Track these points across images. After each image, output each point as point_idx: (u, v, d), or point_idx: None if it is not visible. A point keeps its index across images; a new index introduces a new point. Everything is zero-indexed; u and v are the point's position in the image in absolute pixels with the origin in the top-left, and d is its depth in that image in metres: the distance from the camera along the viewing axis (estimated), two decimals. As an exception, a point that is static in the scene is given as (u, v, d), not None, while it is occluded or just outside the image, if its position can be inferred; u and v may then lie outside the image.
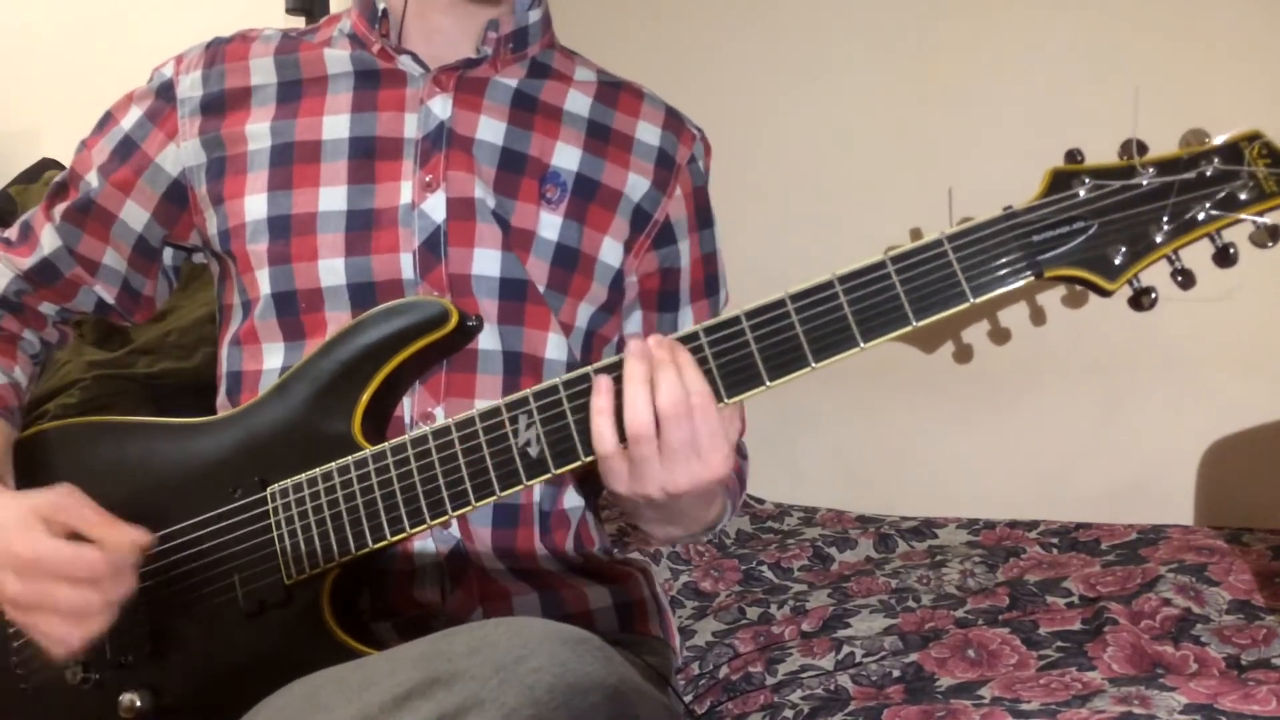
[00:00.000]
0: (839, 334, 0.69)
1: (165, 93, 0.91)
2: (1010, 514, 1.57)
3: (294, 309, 0.85)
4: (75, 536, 0.72)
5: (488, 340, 0.85)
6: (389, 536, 0.74)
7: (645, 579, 0.94)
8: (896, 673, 1.05)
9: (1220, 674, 0.98)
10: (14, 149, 1.86)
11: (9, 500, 0.74)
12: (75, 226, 0.92)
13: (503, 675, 0.52)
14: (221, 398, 0.90)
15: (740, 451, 0.99)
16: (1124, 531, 1.41)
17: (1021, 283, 0.69)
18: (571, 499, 0.91)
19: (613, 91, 0.95)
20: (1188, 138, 0.70)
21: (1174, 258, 0.70)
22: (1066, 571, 1.28)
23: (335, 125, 0.87)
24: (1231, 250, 0.68)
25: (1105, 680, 0.96)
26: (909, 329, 0.69)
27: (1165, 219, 0.68)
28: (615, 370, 0.71)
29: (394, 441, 0.75)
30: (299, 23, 1.73)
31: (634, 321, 0.98)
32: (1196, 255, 0.70)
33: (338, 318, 0.83)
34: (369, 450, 0.75)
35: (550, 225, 0.88)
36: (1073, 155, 0.71)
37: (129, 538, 0.72)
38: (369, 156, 0.86)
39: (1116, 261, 0.69)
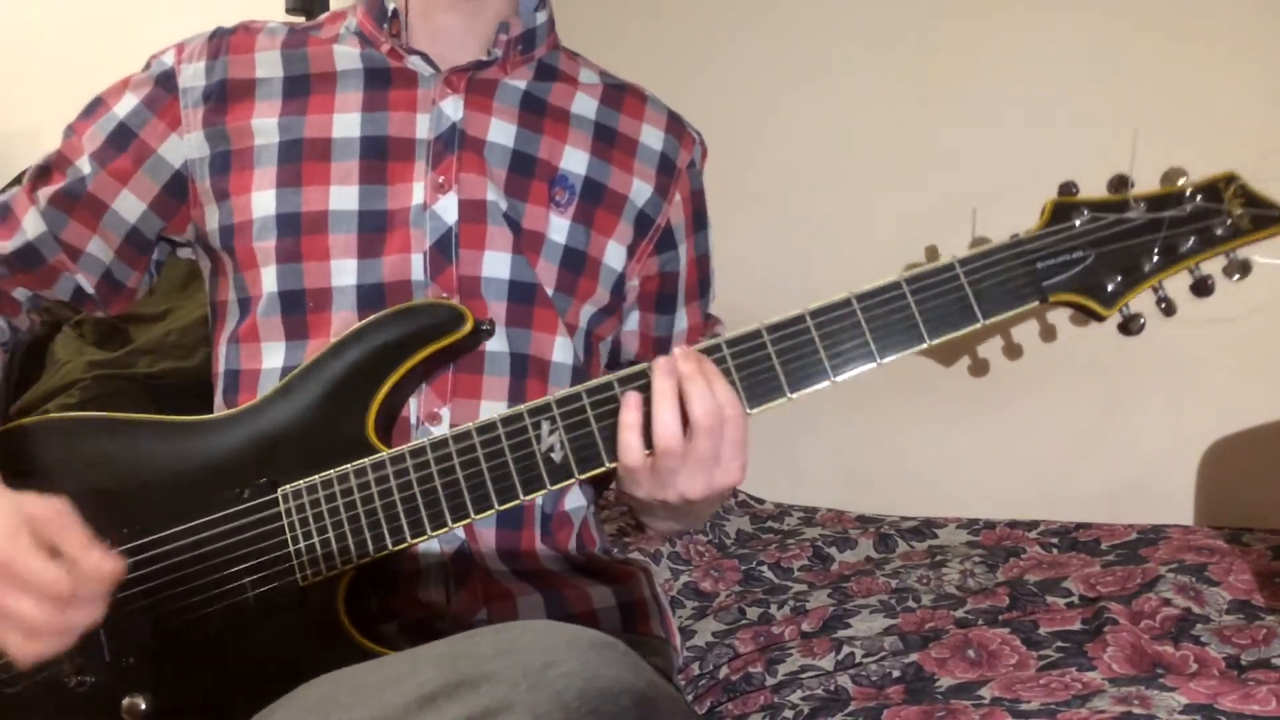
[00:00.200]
0: (857, 349, 0.74)
1: (166, 81, 0.88)
2: (1010, 514, 1.57)
3: (301, 307, 0.84)
4: (57, 552, 0.69)
5: (495, 342, 0.85)
6: (409, 539, 0.74)
7: (646, 578, 0.94)
8: (896, 673, 1.05)
9: (1220, 674, 0.98)
10: (14, 149, 1.86)
11: (2, 498, 0.71)
12: (62, 212, 0.89)
13: (532, 680, 0.52)
14: (218, 396, 0.89)
15: None
16: (1124, 531, 1.41)
17: (1028, 306, 0.75)
18: (573, 500, 0.91)
19: (617, 94, 0.96)
20: (1167, 175, 0.77)
21: (1158, 286, 0.77)
22: (1066, 571, 1.28)
23: (346, 124, 0.86)
24: (1209, 281, 0.76)
25: (1105, 680, 0.96)
26: (923, 347, 0.74)
27: (1155, 251, 0.75)
28: (639, 381, 0.73)
29: (412, 445, 0.75)
30: (298, 22, 1.72)
31: (631, 321, 0.98)
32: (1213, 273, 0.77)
33: (344, 317, 0.83)
34: (387, 453, 0.75)
35: (559, 228, 0.88)
36: (1068, 188, 0.77)
37: (106, 566, 0.68)
38: (381, 157, 0.86)
39: (1110, 289, 0.75)
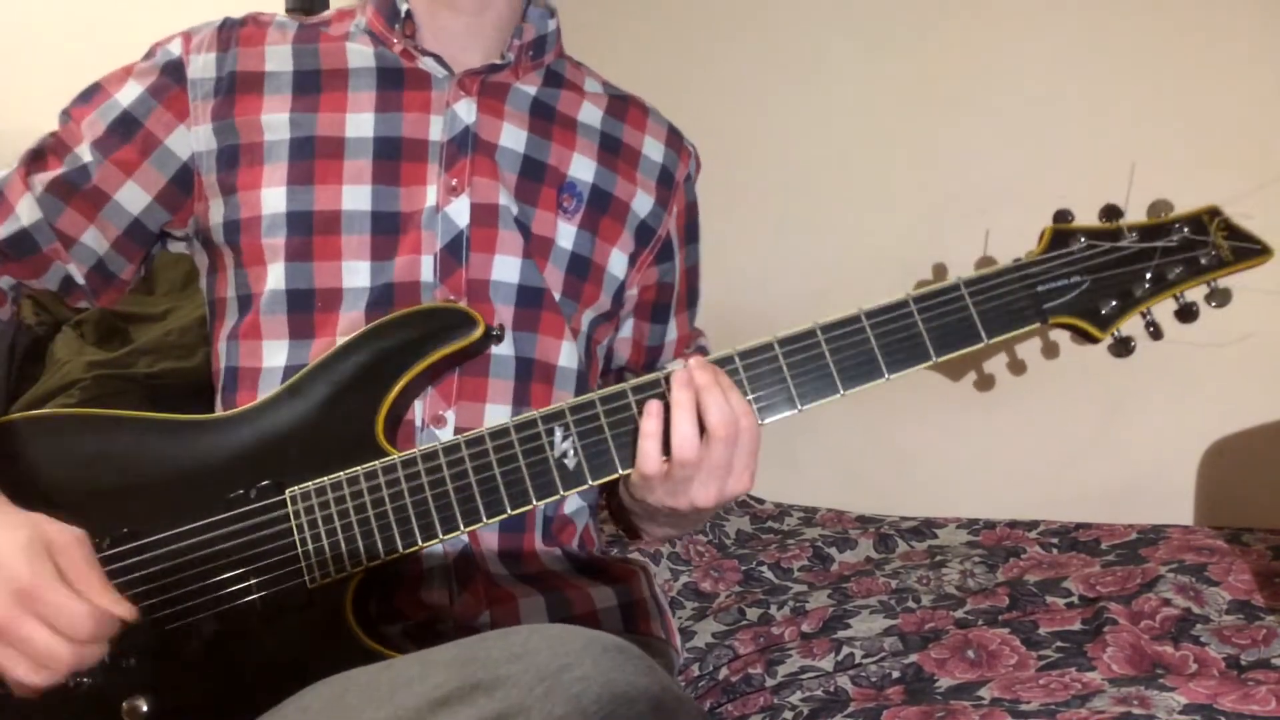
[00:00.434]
0: (866, 365, 0.77)
1: (173, 71, 0.87)
2: (1010, 514, 1.57)
3: (308, 306, 0.84)
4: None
5: (502, 346, 0.85)
6: (420, 541, 0.74)
7: (646, 578, 0.94)
8: (896, 673, 1.05)
9: (1220, 674, 0.98)
10: (14, 149, 1.86)
11: (17, 517, 0.70)
12: (59, 200, 0.86)
13: (547, 684, 0.52)
14: (219, 394, 0.89)
15: None
16: (1124, 531, 1.41)
17: (1029, 327, 0.79)
18: (573, 503, 0.92)
19: (621, 105, 0.97)
20: (1154, 207, 0.83)
21: (1146, 311, 0.82)
22: (1066, 571, 1.28)
23: (359, 123, 0.86)
24: (1194, 308, 0.82)
25: (1105, 680, 0.96)
26: (930, 363, 0.78)
27: (1147, 278, 0.81)
28: (653, 390, 0.75)
29: (425, 448, 0.75)
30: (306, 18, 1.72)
31: (626, 329, 0.99)
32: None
33: (351, 318, 0.83)
34: (398, 456, 0.75)
35: (566, 234, 0.89)
36: (1063, 215, 0.82)
37: (116, 609, 0.68)
38: (394, 157, 0.85)
39: (1104, 313, 0.81)
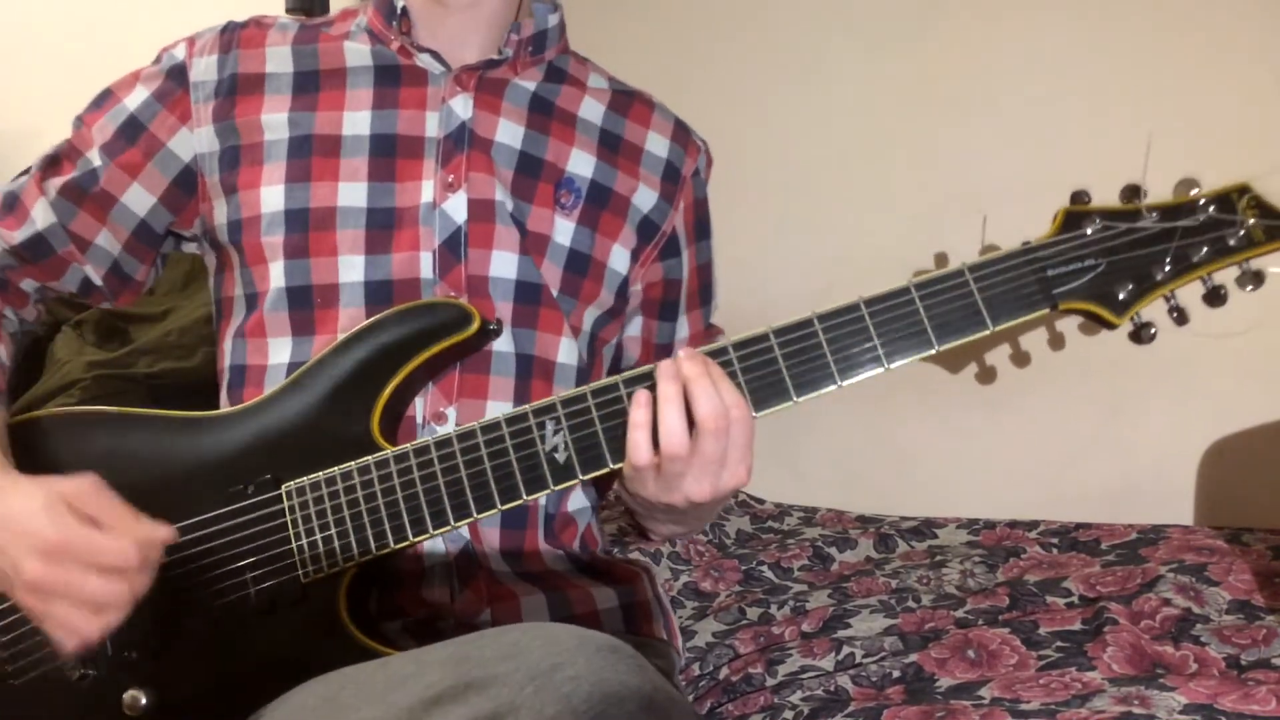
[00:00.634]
0: (865, 355, 0.73)
1: (177, 75, 0.88)
2: (1010, 514, 1.57)
3: (308, 303, 0.84)
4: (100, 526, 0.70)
5: (501, 342, 0.85)
6: (411, 537, 0.74)
7: (649, 579, 0.94)
8: (896, 673, 1.05)
9: (1220, 674, 0.98)
10: (14, 149, 1.86)
11: (31, 485, 0.71)
12: (71, 203, 0.89)
13: (539, 683, 0.52)
14: (223, 392, 0.89)
15: None
16: (1124, 531, 1.41)
17: (1038, 313, 0.75)
18: (576, 501, 0.91)
19: (625, 101, 0.96)
20: (1179, 187, 0.77)
21: (1170, 296, 0.77)
22: (1066, 571, 1.28)
23: (356, 120, 0.86)
24: (1222, 291, 0.76)
25: (1105, 680, 0.96)
26: (931, 352, 0.74)
27: (1168, 260, 0.75)
28: (643, 382, 0.73)
29: (416, 443, 0.75)
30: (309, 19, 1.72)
31: (634, 326, 0.98)
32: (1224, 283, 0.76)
33: (351, 314, 0.83)
34: (390, 451, 0.75)
35: (564, 230, 0.89)
36: (1079, 196, 0.78)
37: (156, 534, 0.71)
38: (390, 154, 0.86)
39: (1121, 297, 0.75)
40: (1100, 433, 1.61)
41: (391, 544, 0.74)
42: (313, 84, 0.88)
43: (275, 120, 0.86)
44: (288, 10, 1.76)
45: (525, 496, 0.73)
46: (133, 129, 0.88)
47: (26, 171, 0.94)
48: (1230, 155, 1.44)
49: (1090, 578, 1.24)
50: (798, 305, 0.76)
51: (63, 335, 1.54)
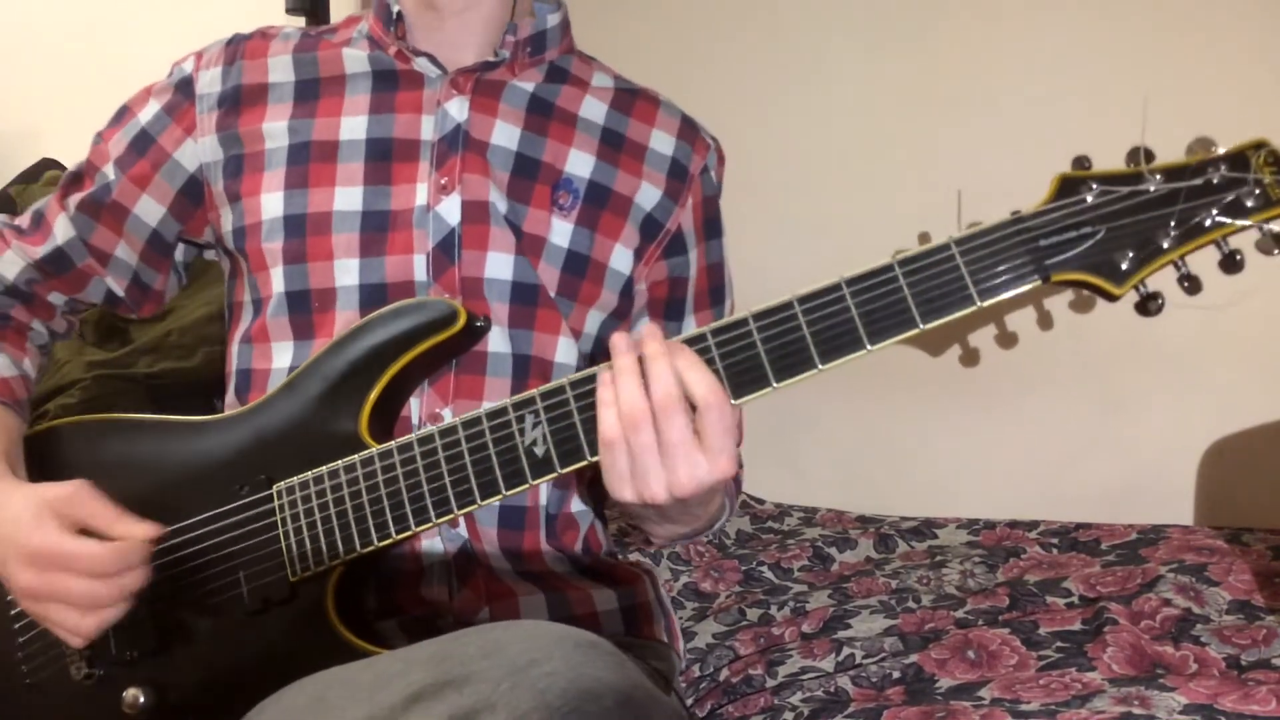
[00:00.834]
0: (846, 336, 0.70)
1: (184, 88, 0.91)
2: (1010, 514, 1.57)
3: (307, 307, 0.85)
4: (88, 531, 0.74)
5: (497, 343, 0.85)
6: (394, 534, 0.74)
7: (650, 582, 0.94)
8: (896, 674, 1.05)
9: (1220, 674, 0.98)
10: (14, 149, 1.86)
11: (22, 493, 0.76)
12: (90, 218, 0.92)
13: (515, 679, 0.52)
14: (230, 395, 0.90)
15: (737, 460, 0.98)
16: (1124, 531, 1.42)
17: (1028, 287, 0.69)
18: (579, 502, 0.91)
19: (629, 99, 0.95)
20: (1194, 146, 0.70)
21: (1180, 264, 0.70)
22: (1066, 571, 1.28)
23: (352, 126, 0.87)
24: (1238, 257, 0.69)
25: (1105, 680, 0.96)
26: (915, 332, 0.69)
27: (1172, 225, 0.69)
28: None
29: (400, 440, 0.75)
30: (299, 23, 1.73)
31: (640, 328, 0.97)
32: (1201, 261, 0.71)
33: (347, 317, 0.84)
34: (375, 449, 0.75)
35: (561, 232, 0.88)
36: (1080, 161, 0.72)
37: (138, 532, 0.74)
38: (385, 158, 0.86)
39: (1124, 267, 0.69)
40: (1100, 432, 1.61)
41: (375, 541, 0.74)
42: (312, 91, 0.89)
43: (276, 128, 0.87)
44: (287, 10, 1.76)
45: (505, 491, 0.72)
46: (143, 142, 0.91)
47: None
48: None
49: (1090, 578, 1.24)
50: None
51: (63, 335, 1.54)
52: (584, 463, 0.71)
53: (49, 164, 1.76)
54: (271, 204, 0.86)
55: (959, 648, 1.08)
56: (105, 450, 0.85)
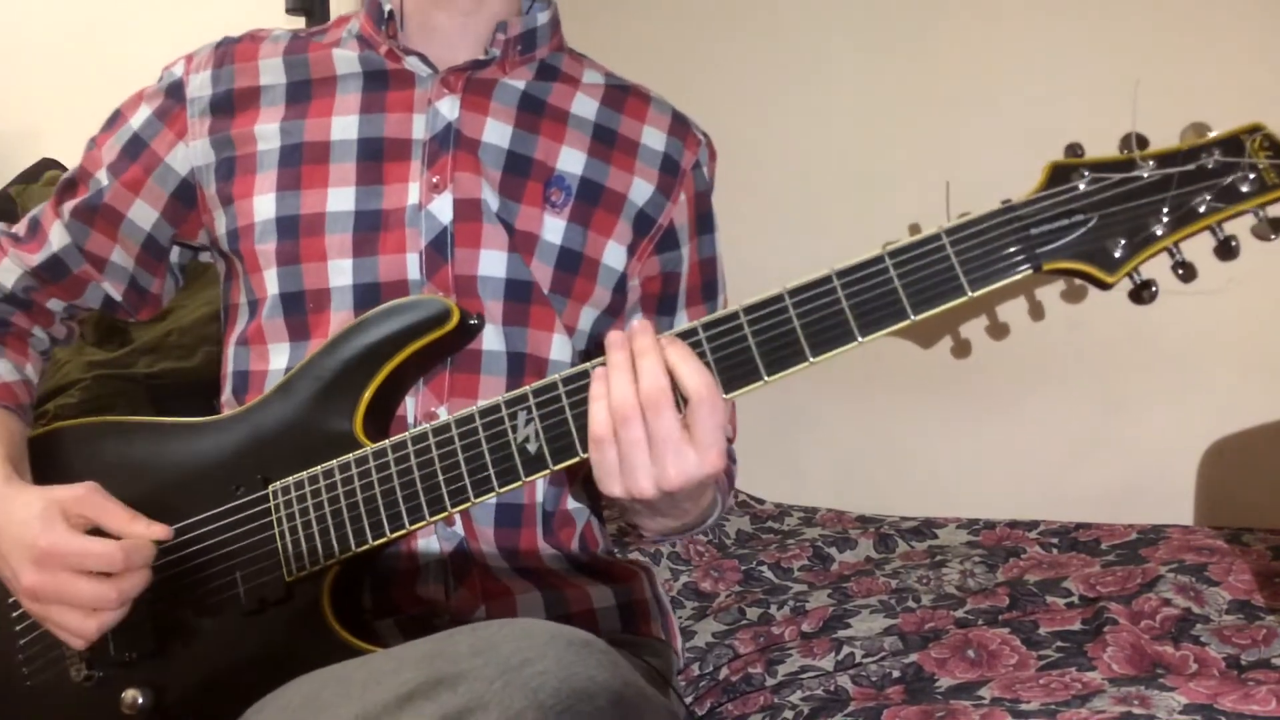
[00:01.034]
0: (837, 328, 0.69)
1: (175, 92, 0.91)
2: (1010, 514, 1.57)
3: (301, 309, 0.85)
4: (97, 530, 0.74)
5: (492, 341, 0.85)
6: (389, 533, 0.74)
7: (648, 579, 0.94)
8: (896, 673, 1.05)
9: (1220, 674, 0.98)
10: (14, 149, 1.86)
11: (31, 494, 0.76)
12: (84, 224, 0.92)
13: (507, 678, 0.52)
14: (227, 396, 0.90)
15: (728, 455, 0.99)
16: (1124, 531, 1.41)
17: (1020, 276, 0.69)
18: (575, 500, 0.91)
19: (620, 95, 0.96)
20: (1188, 131, 0.70)
21: (1174, 250, 0.69)
22: (1066, 571, 1.28)
23: (344, 126, 0.87)
24: (1233, 243, 0.68)
25: (1105, 680, 0.96)
26: (907, 323, 0.69)
27: (1165, 211, 0.68)
28: None
29: (394, 439, 0.75)
30: (298, 23, 1.73)
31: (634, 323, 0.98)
32: (1195, 249, 0.70)
33: (341, 318, 0.84)
34: (369, 448, 0.75)
35: (554, 229, 0.88)
36: (1073, 149, 0.71)
37: (148, 532, 0.75)
38: (377, 158, 0.86)
39: (1116, 254, 0.68)
40: (1100, 432, 1.61)
41: (370, 540, 0.74)
42: (304, 93, 0.89)
43: (268, 130, 0.87)
44: (287, 10, 1.76)
45: (498, 489, 0.72)
46: (135, 146, 0.91)
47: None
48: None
49: (1090, 578, 1.24)
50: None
51: (62, 335, 1.54)
52: (576, 459, 0.71)
53: (49, 164, 1.77)
54: (264, 206, 0.86)
55: (959, 647, 1.08)
56: (104, 452, 0.85)
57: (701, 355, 0.69)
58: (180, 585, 0.77)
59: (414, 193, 0.85)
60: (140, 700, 0.76)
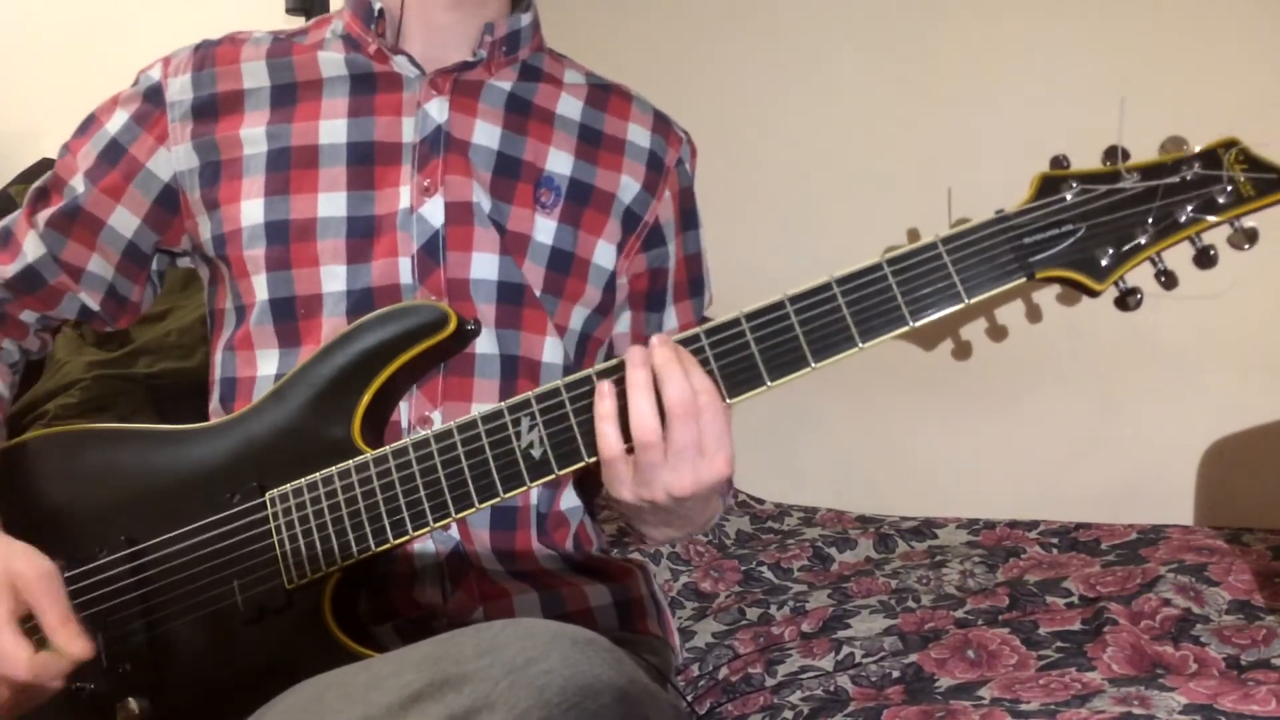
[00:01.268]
0: (838, 335, 0.71)
1: (154, 96, 0.89)
2: (1010, 514, 1.57)
3: (292, 315, 0.85)
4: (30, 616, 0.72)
5: (485, 344, 0.85)
6: (391, 539, 0.74)
7: (644, 577, 0.94)
8: (896, 673, 1.05)
9: (1220, 674, 0.98)
10: (14, 149, 1.86)
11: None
12: (60, 233, 0.90)
13: (513, 677, 0.52)
14: (215, 403, 0.90)
15: None
16: (1124, 531, 1.41)
17: (1014, 283, 0.71)
18: (569, 500, 0.91)
19: (603, 95, 0.96)
20: (1166, 145, 0.73)
21: (1157, 259, 0.73)
22: (1066, 571, 1.28)
23: (332, 130, 0.86)
24: (1212, 252, 0.72)
25: (1105, 680, 0.96)
26: (906, 329, 0.71)
27: (1150, 222, 0.72)
28: (616, 373, 0.72)
29: (394, 445, 0.75)
30: (299, 23, 1.73)
31: (623, 322, 0.98)
32: (1183, 256, 0.73)
33: (334, 323, 0.83)
34: (370, 454, 0.75)
35: (545, 229, 0.88)
36: (1059, 161, 0.74)
37: (69, 648, 0.71)
38: (367, 162, 0.86)
39: (1103, 263, 0.71)
40: (1100, 432, 1.61)
41: (373, 547, 0.74)
42: (289, 97, 0.88)
43: (253, 134, 0.86)
44: (287, 10, 1.76)
45: (503, 494, 0.72)
46: (114, 152, 0.89)
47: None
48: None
49: (1090, 578, 1.24)
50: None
51: (63, 335, 1.54)
52: (581, 464, 0.72)
53: (49, 164, 1.75)
54: (252, 211, 0.85)
55: (959, 647, 1.08)
56: (91, 461, 0.83)
57: (704, 361, 0.71)
58: (175, 595, 0.76)
59: (405, 196, 0.85)
60: (136, 711, 0.75)
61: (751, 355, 0.71)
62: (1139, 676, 0.97)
